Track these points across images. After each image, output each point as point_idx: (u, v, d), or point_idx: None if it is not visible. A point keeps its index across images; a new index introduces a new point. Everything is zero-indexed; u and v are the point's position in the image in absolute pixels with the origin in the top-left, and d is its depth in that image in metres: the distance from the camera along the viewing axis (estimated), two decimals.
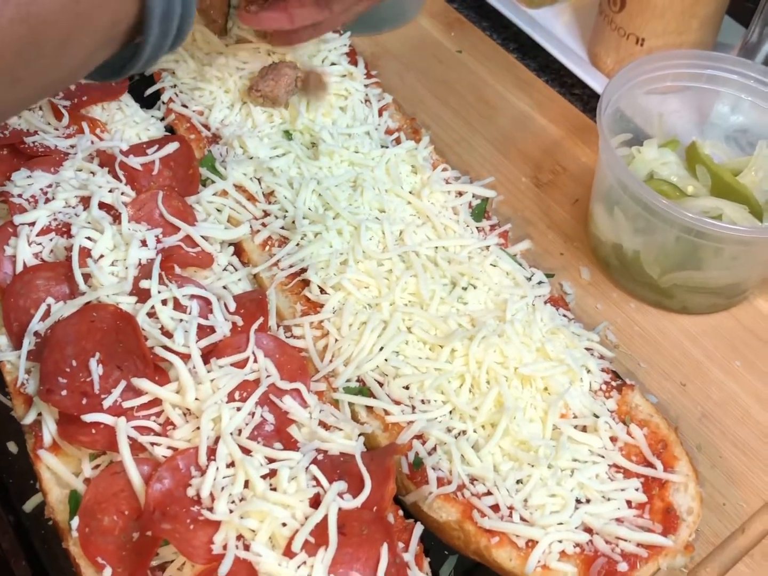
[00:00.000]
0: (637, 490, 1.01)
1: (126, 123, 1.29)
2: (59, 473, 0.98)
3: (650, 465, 1.04)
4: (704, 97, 1.43)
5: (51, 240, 1.12)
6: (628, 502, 1.01)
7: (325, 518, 0.88)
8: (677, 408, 1.21)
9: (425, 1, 1.75)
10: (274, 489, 0.92)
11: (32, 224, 1.12)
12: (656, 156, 1.37)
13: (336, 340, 1.12)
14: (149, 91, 1.35)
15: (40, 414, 1.00)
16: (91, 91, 1.28)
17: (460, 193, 1.31)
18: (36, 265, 1.11)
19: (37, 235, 1.12)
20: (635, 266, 1.29)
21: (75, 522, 0.92)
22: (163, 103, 1.34)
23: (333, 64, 1.41)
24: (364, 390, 1.09)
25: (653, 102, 1.41)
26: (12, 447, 1.10)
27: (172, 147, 1.24)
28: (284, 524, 0.89)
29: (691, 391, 1.24)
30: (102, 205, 1.15)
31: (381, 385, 1.09)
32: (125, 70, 0.89)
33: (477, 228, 1.28)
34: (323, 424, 1.03)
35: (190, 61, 1.35)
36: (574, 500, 0.99)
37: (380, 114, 1.40)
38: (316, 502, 0.92)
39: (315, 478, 0.94)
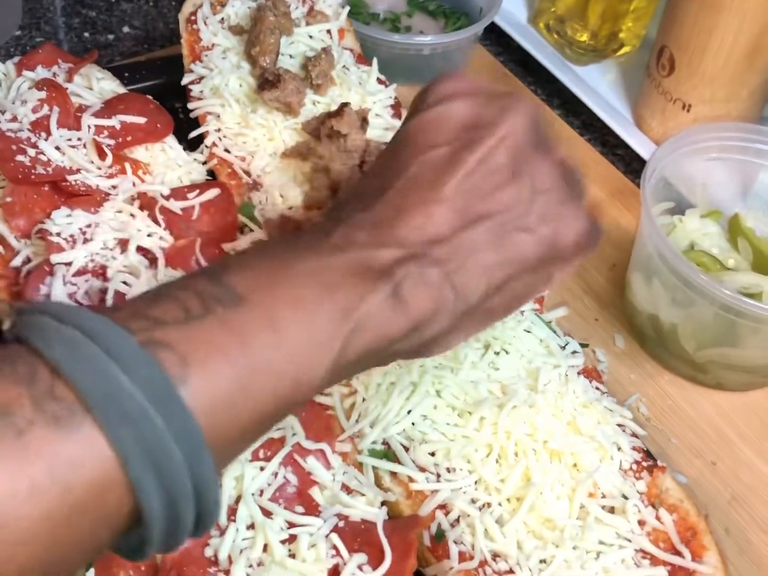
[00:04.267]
0: None
1: (168, 165, 1.29)
2: None
3: (678, 553, 1.01)
4: (750, 169, 1.41)
5: (86, 281, 1.12)
6: None
7: None
8: (706, 488, 1.18)
9: (472, 53, 1.75)
10: (293, 555, 0.91)
11: (69, 264, 1.12)
12: (698, 226, 1.36)
13: (363, 400, 1.11)
14: (194, 133, 1.35)
15: None
16: (136, 131, 1.29)
17: None
18: None
19: (73, 276, 1.12)
20: (671, 339, 1.27)
21: (90, 574, 0.91)
22: (206, 146, 1.34)
23: (377, 115, 1.40)
24: (389, 453, 1.07)
25: (698, 171, 1.40)
26: None
27: (212, 193, 1.24)
28: None
29: (722, 470, 1.21)
30: (139, 249, 1.15)
31: (407, 449, 1.07)
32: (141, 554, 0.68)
33: None
34: (346, 488, 1.01)
35: (234, 105, 1.35)
36: None
37: None
38: (335, 572, 0.90)
39: (335, 547, 0.92)
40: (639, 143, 1.61)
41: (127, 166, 1.25)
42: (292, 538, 0.92)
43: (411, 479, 1.04)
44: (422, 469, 1.05)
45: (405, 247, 0.75)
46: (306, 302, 0.67)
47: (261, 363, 0.63)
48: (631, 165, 1.64)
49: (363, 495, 1.01)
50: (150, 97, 1.37)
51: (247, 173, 1.33)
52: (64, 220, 1.16)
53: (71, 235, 1.15)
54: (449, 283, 0.77)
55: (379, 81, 1.47)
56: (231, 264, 0.73)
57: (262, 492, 0.96)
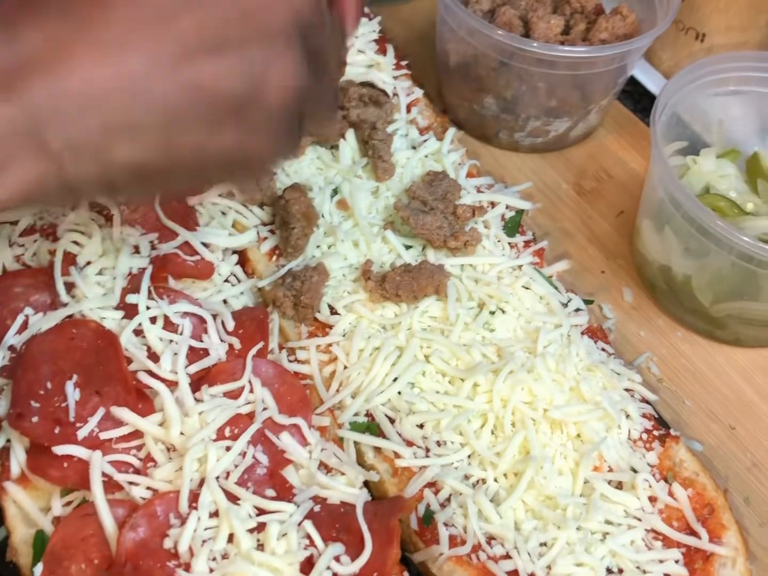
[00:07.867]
0: (677, 562, 0.89)
1: None
2: (26, 509, 0.88)
3: (694, 533, 0.91)
4: None
5: (35, 242, 1.02)
6: None
7: None
8: (724, 454, 1.08)
9: None
10: (262, 546, 0.81)
11: (14, 223, 1.02)
12: (714, 168, 1.24)
13: (345, 367, 1.01)
14: None
15: (8, 441, 0.90)
16: None
17: (493, 204, 1.18)
18: (15, 271, 1.01)
19: (20, 236, 1.03)
20: (685, 292, 1.16)
21: (38, 569, 0.82)
22: None
23: (360, 52, 1.28)
24: (372, 426, 0.97)
25: (713, 107, 1.27)
26: None
27: None
28: None
29: (741, 435, 1.11)
30: (94, 205, 1.04)
31: (392, 421, 0.97)
32: None
33: (509, 244, 1.15)
34: (324, 466, 0.92)
35: None
36: (605, 570, 0.87)
37: (408, 110, 1.27)
38: (308, 564, 0.81)
39: (308, 536, 0.82)
40: (648, 77, 1.48)
41: None
42: (261, 527, 0.82)
43: (397, 455, 0.95)
44: (409, 444, 0.95)
45: None
46: None
47: None
48: (640, 102, 1.51)
49: (343, 474, 0.91)
50: None
51: None
52: None
53: None
54: None
55: None
56: None
57: (228, 474, 0.86)
